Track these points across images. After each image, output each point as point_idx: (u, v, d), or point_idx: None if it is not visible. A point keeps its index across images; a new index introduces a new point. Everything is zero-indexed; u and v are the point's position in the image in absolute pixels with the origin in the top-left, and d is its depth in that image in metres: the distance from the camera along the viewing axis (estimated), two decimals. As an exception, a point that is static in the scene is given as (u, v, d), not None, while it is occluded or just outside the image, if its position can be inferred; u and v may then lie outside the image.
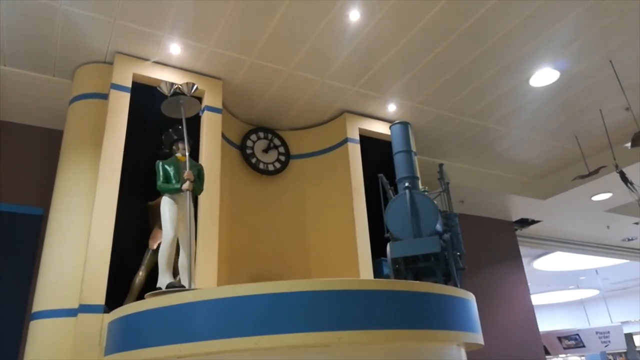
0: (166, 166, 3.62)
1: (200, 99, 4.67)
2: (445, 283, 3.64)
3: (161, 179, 3.56)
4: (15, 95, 4.83)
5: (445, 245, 3.72)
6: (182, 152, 3.74)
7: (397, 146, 4.16)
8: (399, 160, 4.07)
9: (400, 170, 3.99)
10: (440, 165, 4.42)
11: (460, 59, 4.83)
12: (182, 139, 3.74)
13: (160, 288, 3.30)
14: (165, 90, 3.69)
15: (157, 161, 3.64)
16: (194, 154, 4.00)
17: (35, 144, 5.17)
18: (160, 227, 3.67)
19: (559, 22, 4.37)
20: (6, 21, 3.95)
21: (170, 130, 3.83)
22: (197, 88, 3.74)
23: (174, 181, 3.57)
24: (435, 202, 4.51)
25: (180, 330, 2.73)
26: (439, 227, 3.76)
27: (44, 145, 5.10)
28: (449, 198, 4.33)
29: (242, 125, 5.66)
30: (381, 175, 4.42)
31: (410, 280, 3.45)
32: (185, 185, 3.57)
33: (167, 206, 3.53)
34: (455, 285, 3.56)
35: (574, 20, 4.35)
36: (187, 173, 3.60)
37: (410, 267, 3.81)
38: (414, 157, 4.08)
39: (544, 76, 5.16)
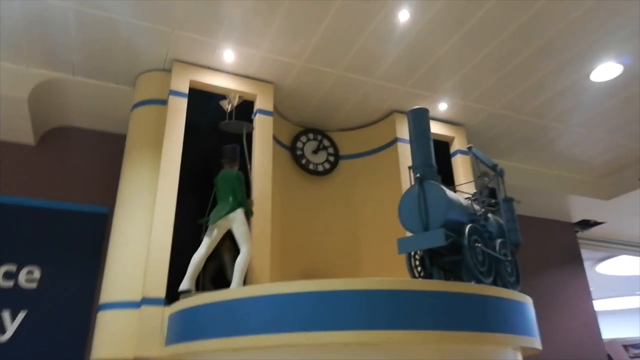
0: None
1: (252, 103, 4.83)
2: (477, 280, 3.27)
3: (243, 194, 3.92)
4: (83, 103, 5.17)
5: (460, 236, 3.29)
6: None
7: (410, 134, 3.79)
8: (412, 149, 3.71)
9: (413, 159, 3.66)
10: (469, 148, 3.99)
11: (515, 56, 4.69)
12: (243, 159, 4.17)
13: None
14: (230, 101, 4.34)
15: (241, 174, 4.01)
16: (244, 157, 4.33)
17: (100, 147, 5.50)
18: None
19: (622, 13, 4.15)
20: (80, 37, 4.26)
21: (236, 147, 4.15)
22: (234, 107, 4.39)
23: None
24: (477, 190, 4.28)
25: (235, 324, 2.83)
26: (458, 216, 3.41)
27: (109, 149, 5.41)
28: (500, 181, 4.01)
29: (292, 127, 5.76)
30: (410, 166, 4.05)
31: (465, 283, 3.31)
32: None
33: (246, 222, 3.84)
34: (479, 282, 3.25)
35: (638, 11, 4.12)
36: (252, 201, 4.12)
37: (436, 263, 3.54)
38: (429, 143, 3.67)
39: (605, 71, 4.92)
